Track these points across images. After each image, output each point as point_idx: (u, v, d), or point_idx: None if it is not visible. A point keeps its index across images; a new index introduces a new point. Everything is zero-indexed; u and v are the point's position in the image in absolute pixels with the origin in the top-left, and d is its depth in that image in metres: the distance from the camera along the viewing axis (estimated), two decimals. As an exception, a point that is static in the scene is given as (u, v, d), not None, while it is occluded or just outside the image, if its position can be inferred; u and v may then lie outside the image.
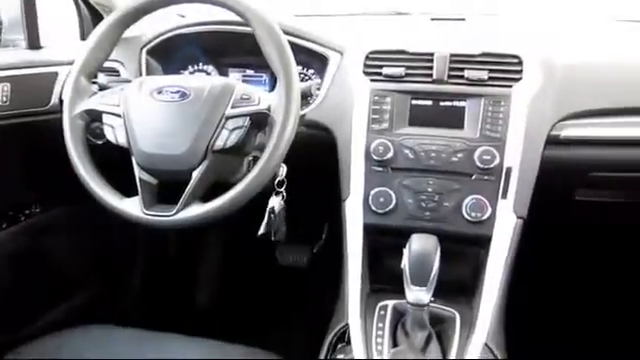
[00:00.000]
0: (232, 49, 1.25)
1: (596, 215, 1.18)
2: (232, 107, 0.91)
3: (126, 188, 0.94)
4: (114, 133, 0.95)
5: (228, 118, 0.90)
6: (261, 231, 1.05)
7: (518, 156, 0.98)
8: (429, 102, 1.04)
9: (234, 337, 0.99)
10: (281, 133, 0.88)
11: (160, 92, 0.94)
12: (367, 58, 1.07)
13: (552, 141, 1.02)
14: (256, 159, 0.93)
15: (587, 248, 1.50)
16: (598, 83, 1.08)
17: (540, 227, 1.13)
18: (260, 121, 0.92)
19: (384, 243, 1.03)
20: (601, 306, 1.54)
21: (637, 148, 1.02)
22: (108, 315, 1.30)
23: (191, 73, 1.29)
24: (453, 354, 0.87)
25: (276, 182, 1.03)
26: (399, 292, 0.89)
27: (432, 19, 1.40)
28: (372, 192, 1.01)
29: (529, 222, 1.00)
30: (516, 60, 1.03)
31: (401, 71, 1.05)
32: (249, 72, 1.27)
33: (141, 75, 1.21)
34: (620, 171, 1.06)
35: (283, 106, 0.89)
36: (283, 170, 1.02)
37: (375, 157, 1.01)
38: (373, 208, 1.00)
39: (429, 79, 1.04)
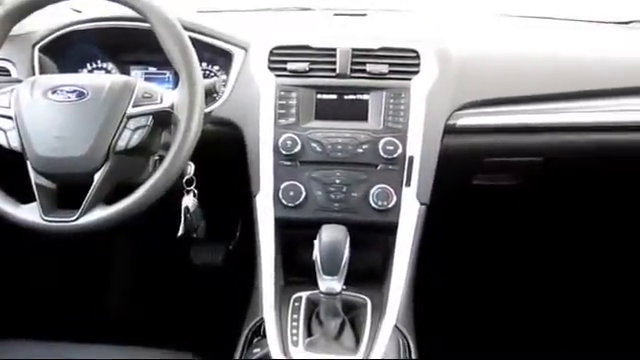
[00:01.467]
0: (133, 46, 1.21)
1: (492, 199, 1.26)
2: (133, 106, 0.89)
3: (22, 194, 0.90)
4: (5, 137, 0.90)
5: (130, 117, 0.88)
6: (181, 231, 1.04)
7: (419, 145, 1.03)
8: (334, 96, 1.07)
9: (150, 341, 0.97)
10: (186, 131, 0.87)
11: (55, 92, 0.90)
12: (271, 54, 1.08)
13: (450, 130, 1.08)
14: (162, 158, 0.91)
15: (492, 233, 1.59)
16: (490, 74, 1.15)
17: (445, 213, 1.20)
18: (164, 120, 0.91)
19: (297, 236, 1.05)
20: (503, 284, 1.64)
21: (525, 134, 1.11)
22: (9, 327, 1.22)
23: (89, 72, 1.24)
24: (365, 337, 0.91)
25: (184, 181, 1.02)
26: (313, 283, 0.91)
27: (335, 14, 1.43)
28: (282, 186, 1.02)
29: (432, 208, 1.05)
30: (414, 54, 1.08)
31: (305, 66, 1.06)
32: (152, 70, 1.24)
33: (34, 74, 1.15)
34: (511, 156, 1.14)
35: (187, 104, 0.88)
36: (191, 168, 1.01)
37: (283, 151, 1.02)
38: (283, 202, 1.01)
39: (333, 74, 1.07)
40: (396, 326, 0.93)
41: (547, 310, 1.61)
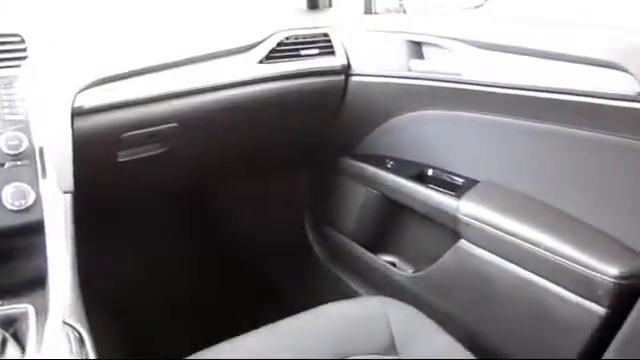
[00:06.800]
0: None
1: (141, 171, 1.29)
2: None
3: None
4: None
5: None
6: None
7: (48, 134, 0.98)
8: None
9: None
10: None
11: None
12: None
13: (78, 112, 1.05)
14: None
15: (151, 205, 1.63)
16: (107, 51, 1.16)
17: (96, 196, 1.18)
18: None
19: None
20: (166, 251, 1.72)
21: (152, 104, 1.15)
22: None
23: None
24: (32, 344, 0.85)
25: None
26: None
27: None
28: None
29: (80, 194, 1.02)
30: (18, 39, 1.00)
31: None
32: None
33: None
34: (147, 127, 1.18)
35: None
36: None
37: None
38: None
39: None
40: (64, 322, 0.90)
41: (209, 277, 1.74)
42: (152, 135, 1.21)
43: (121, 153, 1.20)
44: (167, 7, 1.47)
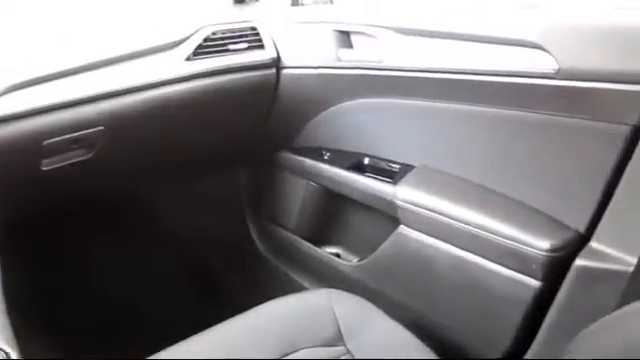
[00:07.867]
0: None
1: (68, 179, 1.23)
2: None
3: None
4: None
5: None
6: None
7: None
8: None
9: None
10: None
11: None
12: None
13: None
14: None
15: (81, 214, 1.56)
16: (17, 56, 1.10)
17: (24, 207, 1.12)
18: None
19: None
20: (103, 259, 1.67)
21: (72, 108, 1.10)
22: None
23: None
24: None
25: None
26: None
27: None
28: None
29: (3, 207, 0.97)
30: None
31: None
32: None
33: None
34: (70, 132, 1.12)
35: None
36: None
37: None
38: None
39: None
40: None
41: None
42: (77, 140, 1.15)
43: (45, 161, 1.13)
44: (87, 5, 1.40)
